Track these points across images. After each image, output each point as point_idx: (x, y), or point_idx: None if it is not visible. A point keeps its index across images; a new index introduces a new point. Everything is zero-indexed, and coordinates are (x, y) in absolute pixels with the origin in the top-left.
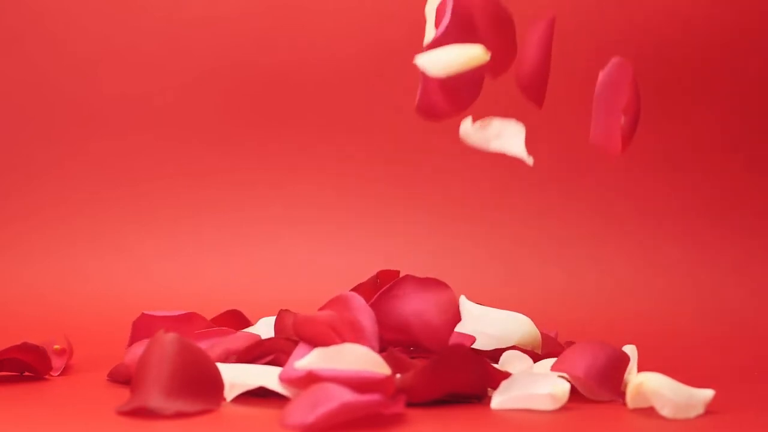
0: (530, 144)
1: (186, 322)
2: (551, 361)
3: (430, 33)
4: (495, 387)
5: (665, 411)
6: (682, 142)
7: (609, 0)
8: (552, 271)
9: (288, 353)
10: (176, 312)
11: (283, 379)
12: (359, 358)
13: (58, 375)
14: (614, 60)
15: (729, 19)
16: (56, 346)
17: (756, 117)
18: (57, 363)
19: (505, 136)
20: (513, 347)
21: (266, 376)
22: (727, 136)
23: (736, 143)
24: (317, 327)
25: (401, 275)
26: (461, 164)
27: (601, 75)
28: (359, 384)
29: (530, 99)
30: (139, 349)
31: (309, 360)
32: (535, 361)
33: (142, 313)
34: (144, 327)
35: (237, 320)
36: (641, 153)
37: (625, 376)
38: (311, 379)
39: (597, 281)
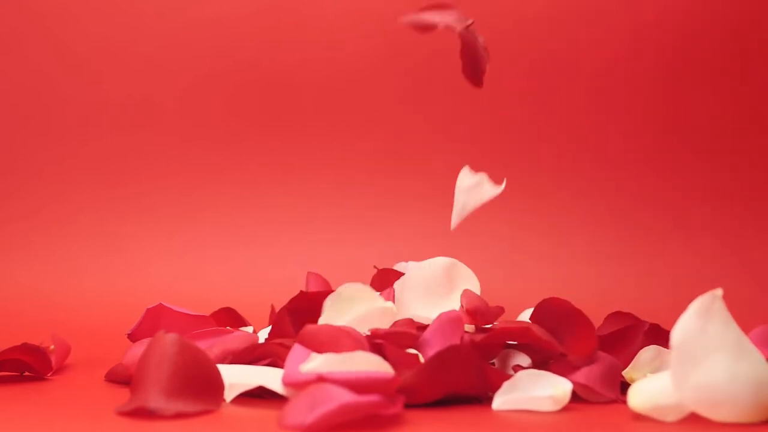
0: (531, 143)
1: (196, 323)
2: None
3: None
4: (495, 390)
5: (670, 418)
6: (683, 141)
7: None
8: (552, 270)
9: (283, 358)
10: (191, 311)
11: (288, 383)
12: (365, 363)
13: (54, 374)
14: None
15: (737, 18)
16: (51, 347)
17: (757, 113)
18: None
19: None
20: None
21: (265, 376)
22: (728, 133)
23: (738, 140)
24: (322, 337)
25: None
26: (462, 164)
27: None
28: (365, 385)
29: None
30: (137, 349)
31: (315, 364)
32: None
33: (160, 303)
34: (155, 317)
35: (232, 318)
36: (642, 152)
37: (626, 374)
38: (317, 381)
39: (597, 281)
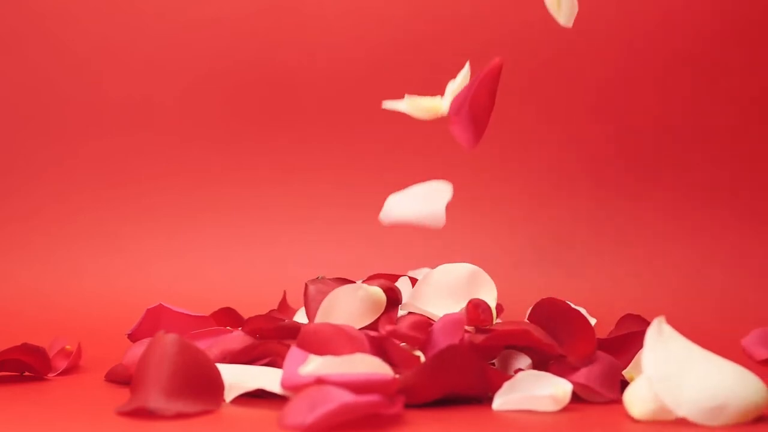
0: (532, 142)
1: (196, 324)
2: None
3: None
4: (495, 390)
5: (674, 416)
6: (682, 142)
7: (611, 2)
8: (551, 271)
9: (283, 356)
10: (191, 311)
11: (286, 386)
12: (364, 365)
13: (57, 375)
14: None
15: (735, 19)
16: (67, 347)
17: (757, 113)
18: (59, 363)
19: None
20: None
21: (265, 377)
22: (728, 133)
23: (738, 140)
24: (321, 338)
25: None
26: (461, 164)
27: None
28: (364, 386)
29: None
30: (137, 350)
31: (314, 366)
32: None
33: (159, 304)
34: (155, 317)
35: (231, 318)
36: (642, 153)
37: (626, 374)
38: (316, 384)
39: (596, 282)
